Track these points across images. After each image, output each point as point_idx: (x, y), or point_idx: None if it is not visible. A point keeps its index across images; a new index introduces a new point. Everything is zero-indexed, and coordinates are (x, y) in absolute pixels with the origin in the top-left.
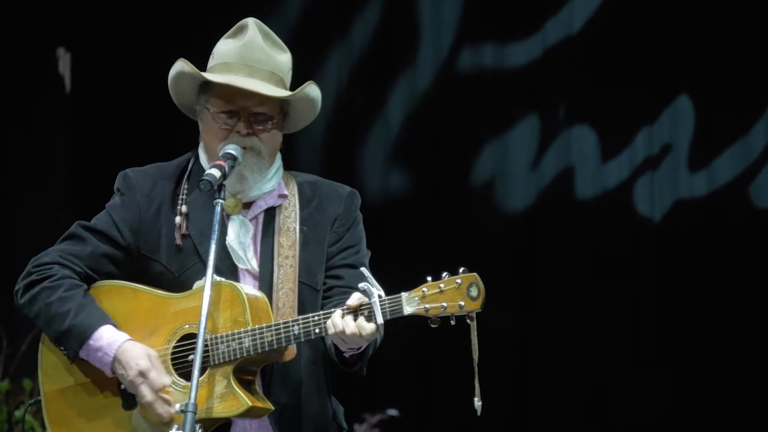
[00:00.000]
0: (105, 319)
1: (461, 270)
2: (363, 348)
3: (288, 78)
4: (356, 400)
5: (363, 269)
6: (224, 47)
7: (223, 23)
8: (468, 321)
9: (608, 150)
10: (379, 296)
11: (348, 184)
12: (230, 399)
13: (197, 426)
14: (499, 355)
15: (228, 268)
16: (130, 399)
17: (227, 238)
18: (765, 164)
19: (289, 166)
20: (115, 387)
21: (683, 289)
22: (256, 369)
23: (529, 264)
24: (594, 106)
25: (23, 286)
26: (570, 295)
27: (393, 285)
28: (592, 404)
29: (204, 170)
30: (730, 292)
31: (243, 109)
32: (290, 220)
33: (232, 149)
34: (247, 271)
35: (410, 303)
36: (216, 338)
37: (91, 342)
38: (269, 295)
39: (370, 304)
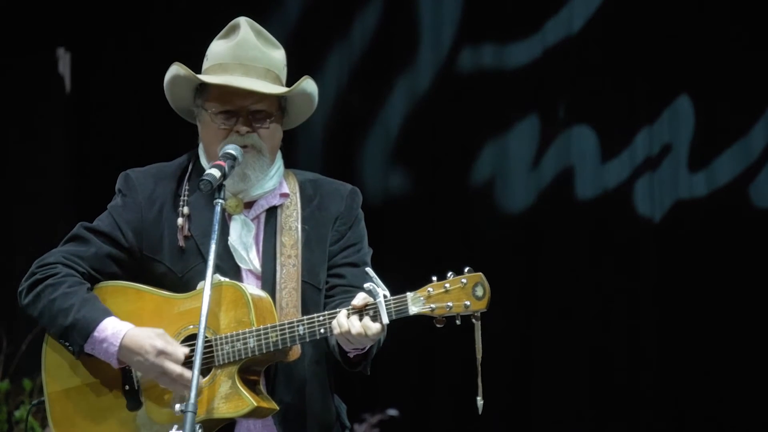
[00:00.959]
0: (108, 313)
1: (466, 269)
2: (367, 348)
3: (284, 74)
4: (356, 400)
5: (368, 269)
6: (218, 48)
7: (223, 24)
8: (473, 320)
9: (608, 150)
10: (385, 296)
11: (355, 187)
12: (235, 399)
13: (197, 426)
14: (499, 355)
15: (231, 268)
16: (134, 400)
17: (229, 238)
18: (765, 164)
19: (289, 165)
20: (120, 387)
21: (683, 289)
22: (260, 369)
23: (529, 264)
24: (594, 106)
25: (27, 286)
26: (570, 295)
27: (393, 285)
28: (592, 404)
29: (204, 171)
30: (731, 292)
31: (241, 109)
32: (292, 219)
33: (231, 149)
34: (250, 271)
35: (416, 303)
36: (220, 339)
37: (95, 334)
38: (272, 295)
39: (375, 304)
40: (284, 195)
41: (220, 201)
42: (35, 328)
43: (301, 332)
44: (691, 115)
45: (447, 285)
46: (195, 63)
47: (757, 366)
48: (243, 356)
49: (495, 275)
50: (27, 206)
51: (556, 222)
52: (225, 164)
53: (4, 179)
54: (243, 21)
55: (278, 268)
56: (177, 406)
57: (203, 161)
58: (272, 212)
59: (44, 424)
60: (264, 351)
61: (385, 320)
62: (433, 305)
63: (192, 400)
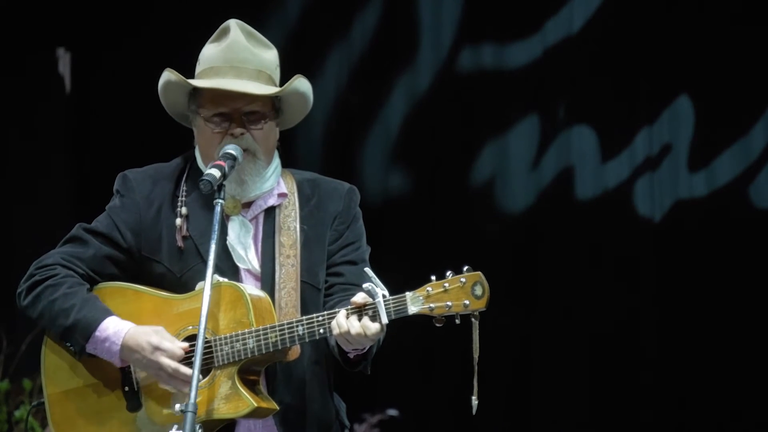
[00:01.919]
0: (109, 312)
1: (465, 269)
2: (367, 348)
3: (276, 74)
4: (356, 400)
5: (367, 269)
6: (209, 51)
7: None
8: (473, 320)
9: (608, 150)
10: (384, 296)
11: (353, 185)
12: (235, 400)
13: (197, 426)
14: (499, 355)
15: (229, 268)
16: (134, 401)
17: (228, 238)
18: (765, 164)
19: (289, 165)
20: (120, 389)
21: (683, 289)
22: (260, 369)
23: (529, 264)
24: (594, 106)
25: (26, 287)
26: (570, 295)
27: (392, 285)
28: (591, 404)
29: (201, 173)
30: (731, 293)
31: (234, 111)
32: (290, 219)
33: (231, 149)
34: (249, 271)
35: (415, 302)
36: (219, 339)
37: (97, 334)
38: (271, 295)
39: (374, 303)
40: (282, 195)
41: (220, 201)
42: (35, 329)
43: (301, 332)
44: (691, 115)
45: (446, 284)
46: (194, 64)
47: (757, 366)
48: (242, 357)
49: (495, 275)
50: (27, 206)
51: (556, 222)
52: (225, 164)
53: (4, 179)
54: (233, 23)
55: (277, 268)
56: (177, 406)
57: (200, 163)
58: (270, 212)
59: (44, 425)
60: (263, 351)
61: (384, 320)
62: (432, 305)
63: (192, 399)
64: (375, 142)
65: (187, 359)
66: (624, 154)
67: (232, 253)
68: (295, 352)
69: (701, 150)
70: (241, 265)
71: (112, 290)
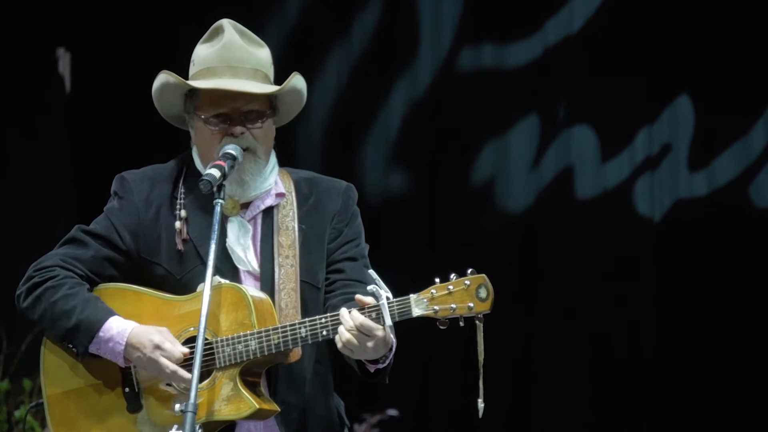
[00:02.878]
0: (111, 312)
1: (469, 271)
2: (388, 360)
3: (271, 72)
4: (356, 400)
5: (371, 271)
6: (203, 52)
7: None
8: (477, 322)
9: (608, 150)
10: (387, 298)
11: (350, 183)
12: (236, 401)
13: (197, 427)
14: (500, 355)
15: (229, 270)
16: (135, 402)
17: (227, 240)
18: (765, 164)
19: (289, 165)
20: (120, 389)
21: (683, 289)
22: (260, 371)
23: (529, 264)
24: (594, 106)
25: (25, 289)
26: (570, 295)
27: (392, 284)
28: (592, 404)
29: (199, 174)
30: (730, 292)
31: (233, 111)
32: (288, 219)
33: (231, 149)
34: (248, 272)
35: (419, 305)
36: (221, 341)
37: (101, 334)
38: (271, 296)
39: (378, 306)
40: (280, 195)
41: (220, 201)
42: (35, 329)
43: (303, 334)
44: (691, 115)
45: (450, 287)
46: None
47: (757, 365)
48: (244, 358)
49: (495, 275)
50: (27, 206)
51: (556, 222)
52: (225, 164)
53: (4, 179)
54: (226, 23)
55: (276, 268)
56: (177, 406)
57: (198, 164)
58: (269, 212)
59: (45, 425)
60: (265, 353)
61: (388, 322)
62: (436, 307)
63: (192, 399)
64: (375, 142)
65: (188, 363)
66: (624, 154)
67: (232, 255)
68: (296, 353)
69: (701, 150)
70: (240, 267)
71: (113, 291)
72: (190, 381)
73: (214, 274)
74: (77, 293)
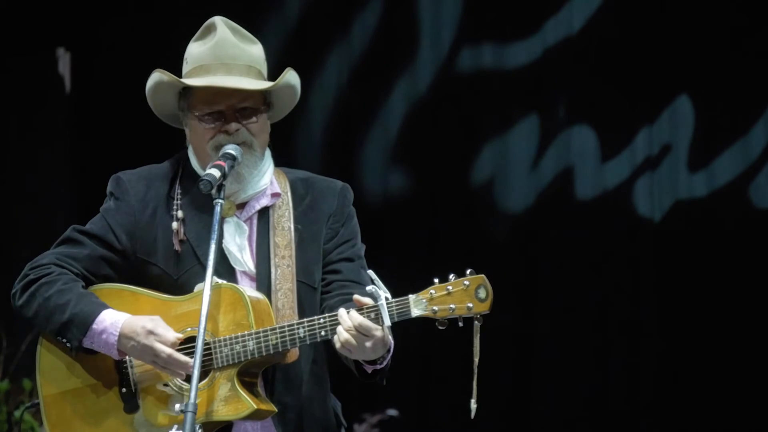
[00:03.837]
0: (105, 305)
1: (468, 271)
2: (386, 362)
3: (264, 69)
4: (356, 400)
5: (370, 271)
6: (196, 50)
7: None
8: (476, 322)
9: (608, 150)
10: (386, 298)
11: (347, 184)
12: (234, 402)
13: (197, 426)
14: (499, 355)
15: (226, 270)
16: (132, 402)
17: (224, 240)
18: (765, 164)
19: (288, 165)
20: (117, 390)
21: (683, 289)
22: (258, 371)
23: (529, 264)
24: (594, 106)
25: (20, 287)
26: (570, 295)
27: (392, 285)
28: (591, 404)
29: (195, 174)
30: (730, 293)
31: (228, 107)
32: (284, 219)
33: (231, 149)
34: (245, 272)
35: (418, 305)
36: (219, 341)
37: (94, 326)
38: (267, 296)
39: (377, 306)
40: (275, 195)
41: (220, 201)
42: (35, 329)
43: (302, 335)
44: (691, 115)
45: (449, 287)
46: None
47: (757, 366)
48: (242, 359)
49: (495, 275)
50: (27, 206)
51: (556, 222)
52: (225, 164)
53: (4, 178)
54: (218, 20)
55: (273, 269)
56: (177, 406)
57: (194, 164)
58: (264, 213)
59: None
60: (263, 353)
61: (387, 322)
62: (435, 307)
63: (192, 399)
64: (375, 142)
65: (182, 353)
66: (624, 154)
67: (228, 256)
68: (293, 354)
69: (701, 150)
70: (237, 267)
71: (109, 291)
72: (187, 365)
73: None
74: (71, 288)
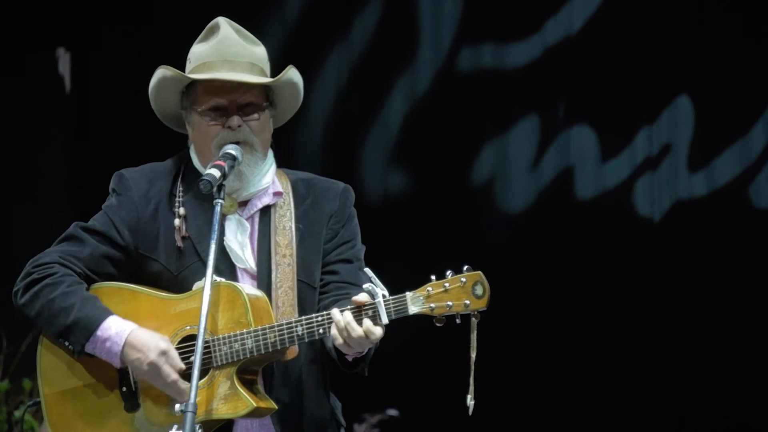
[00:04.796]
0: (110, 311)
1: (465, 268)
2: (366, 350)
3: (267, 68)
4: (356, 400)
5: (367, 269)
6: (199, 49)
7: None
8: (473, 319)
9: (608, 150)
10: (384, 296)
11: (348, 184)
12: (234, 400)
13: (197, 426)
14: (499, 356)
15: (227, 267)
16: (132, 401)
17: (225, 238)
18: (765, 164)
19: (288, 165)
20: (117, 389)
21: (683, 289)
22: (257, 369)
23: (529, 264)
24: (594, 106)
25: (23, 286)
26: (570, 295)
27: (392, 285)
28: (591, 404)
29: (197, 172)
30: (730, 293)
31: (230, 102)
32: (286, 219)
33: (231, 149)
34: (246, 270)
35: (415, 302)
36: (218, 339)
37: (98, 333)
38: (268, 295)
39: (374, 303)
40: (278, 193)
41: (220, 201)
42: (35, 328)
43: (300, 332)
44: (691, 115)
45: (446, 284)
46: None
47: (757, 366)
48: (241, 357)
49: (495, 275)
50: (27, 206)
51: (556, 222)
52: (225, 164)
53: (3, 179)
54: (222, 21)
55: (273, 267)
56: (177, 406)
57: (196, 162)
58: (266, 212)
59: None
60: (262, 351)
61: (385, 320)
62: (432, 305)
63: (192, 399)
64: (375, 142)
65: (184, 360)
66: (624, 154)
67: (230, 253)
68: (293, 351)
69: (701, 150)
70: (238, 265)
71: (109, 290)
72: (183, 395)
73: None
74: (76, 291)
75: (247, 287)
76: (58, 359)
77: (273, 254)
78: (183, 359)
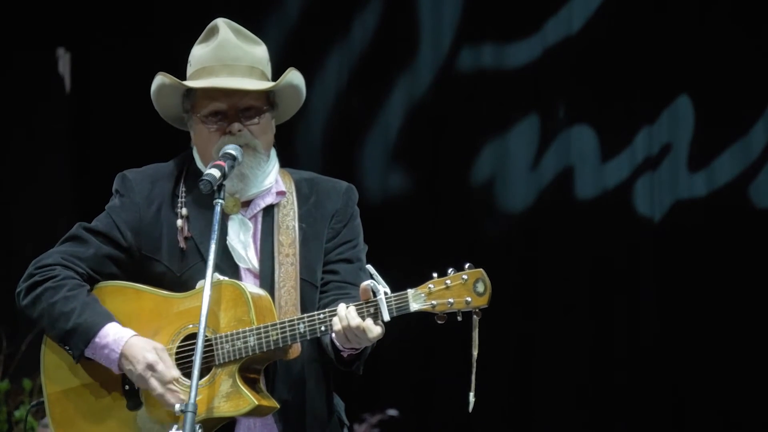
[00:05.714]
0: (110, 317)
1: (467, 266)
2: (362, 347)
3: (268, 69)
4: (356, 400)
5: (369, 266)
6: (199, 52)
7: None
8: (474, 316)
9: (608, 150)
10: (385, 293)
11: (351, 184)
12: (236, 398)
13: (197, 426)
14: (499, 355)
15: (229, 267)
16: (135, 399)
17: (228, 237)
18: (765, 164)
19: (288, 165)
20: (120, 388)
21: (683, 289)
22: (260, 367)
23: (529, 264)
24: (594, 105)
25: (25, 287)
26: (570, 295)
27: (393, 285)
28: (592, 403)
29: (200, 173)
30: (730, 293)
31: (230, 108)
32: (289, 218)
33: (231, 149)
34: (248, 270)
35: (416, 299)
36: (220, 337)
37: (97, 340)
38: (271, 294)
39: (376, 301)
40: (281, 193)
41: (220, 201)
42: (35, 329)
43: (302, 330)
44: (691, 115)
45: (448, 281)
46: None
47: (757, 365)
48: (243, 355)
49: (495, 275)
50: (27, 206)
51: (556, 222)
52: (225, 164)
53: (4, 178)
54: (221, 22)
55: (276, 266)
56: (177, 406)
57: (198, 163)
58: (269, 211)
59: (44, 424)
60: (264, 349)
61: (386, 317)
62: (434, 302)
63: (192, 399)
64: (375, 142)
65: (185, 359)
66: (624, 154)
67: (232, 253)
68: (295, 350)
69: (701, 150)
70: (241, 264)
71: (113, 289)
72: (173, 406)
73: (213, 272)
74: (77, 295)
75: (251, 286)
76: (62, 358)
77: (276, 253)
78: (184, 358)
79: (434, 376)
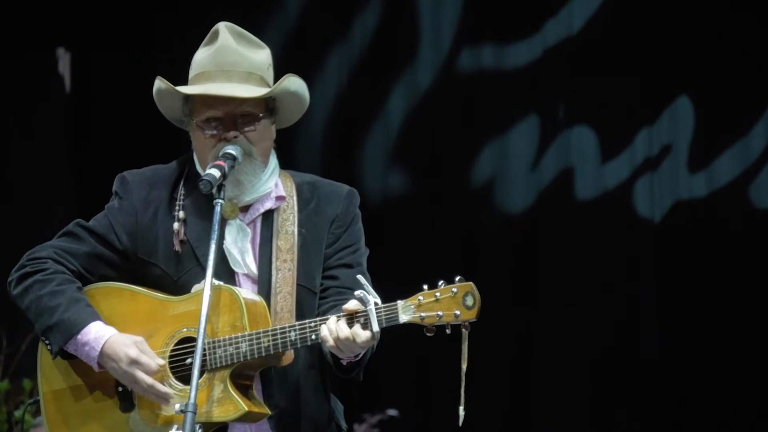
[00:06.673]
0: (95, 316)
1: (457, 278)
2: (360, 355)
3: (269, 74)
4: (356, 400)
5: (359, 276)
6: (199, 56)
7: None
8: (463, 330)
9: (608, 150)
10: (375, 304)
11: (348, 185)
12: (227, 403)
13: (197, 426)
14: (499, 355)
15: (225, 272)
16: (127, 402)
17: (224, 242)
18: (765, 165)
19: (288, 166)
20: (113, 389)
21: (683, 289)
22: (253, 374)
23: (529, 264)
24: (594, 106)
25: (16, 277)
26: (570, 296)
27: (392, 286)
28: (592, 403)
29: (199, 176)
30: (730, 293)
31: (226, 114)
32: (288, 223)
33: (231, 149)
34: (246, 275)
35: (406, 311)
36: (214, 342)
37: (79, 337)
38: (267, 299)
39: (366, 311)
40: (280, 198)
41: (220, 201)
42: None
43: (293, 338)
44: (691, 115)
45: (437, 294)
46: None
47: (757, 365)
48: (235, 360)
49: (495, 275)
50: (27, 206)
51: (556, 222)
52: (225, 164)
53: (4, 179)
54: (222, 26)
55: (273, 272)
56: (177, 406)
57: (198, 167)
58: (268, 216)
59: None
60: (255, 356)
61: (376, 328)
62: (423, 314)
63: (192, 400)
64: (375, 142)
65: (177, 362)
66: (624, 154)
67: (229, 258)
68: (288, 357)
69: (701, 150)
70: (237, 270)
71: (108, 290)
72: (166, 396)
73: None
74: (65, 291)
75: (245, 291)
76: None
77: (273, 259)
78: (179, 361)
79: (434, 376)
